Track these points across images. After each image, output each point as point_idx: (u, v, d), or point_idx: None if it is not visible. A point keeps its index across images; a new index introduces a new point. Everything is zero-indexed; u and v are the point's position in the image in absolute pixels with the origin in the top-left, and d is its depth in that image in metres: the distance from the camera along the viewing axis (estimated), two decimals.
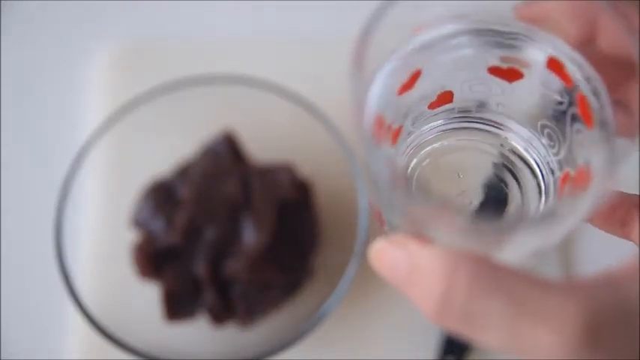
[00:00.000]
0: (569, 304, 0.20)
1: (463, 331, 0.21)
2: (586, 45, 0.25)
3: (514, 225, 0.22)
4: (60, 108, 0.52)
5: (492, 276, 0.20)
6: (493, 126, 0.28)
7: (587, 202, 0.21)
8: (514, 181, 0.28)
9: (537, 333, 0.20)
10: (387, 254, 0.23)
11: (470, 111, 0.28)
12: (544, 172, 0.27)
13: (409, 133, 0.28)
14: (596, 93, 0.24)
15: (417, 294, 0.22)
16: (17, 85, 0.52)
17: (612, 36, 0.23)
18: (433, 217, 0.22)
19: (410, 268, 0.22)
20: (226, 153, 0.45)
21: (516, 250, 0.24)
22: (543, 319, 0.20)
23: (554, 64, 0.25)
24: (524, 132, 0.28)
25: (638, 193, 0.25)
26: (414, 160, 0.28)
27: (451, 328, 0.21)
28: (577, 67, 0.25)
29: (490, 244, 0.23)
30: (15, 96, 0.52)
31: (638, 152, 0.21)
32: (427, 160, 0.28)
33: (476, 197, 0.28)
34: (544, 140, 0.27)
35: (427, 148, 0.29)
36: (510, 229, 0.22)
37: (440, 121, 0.28)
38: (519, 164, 0.28)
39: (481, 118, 0.28)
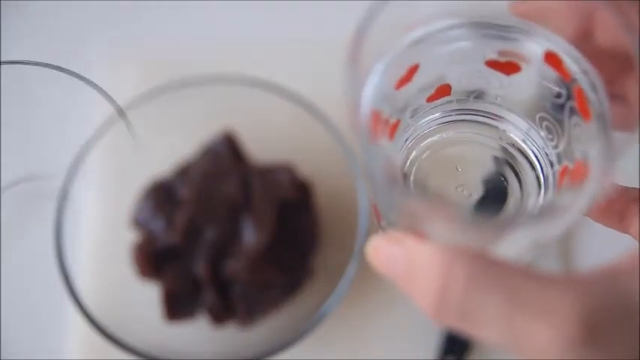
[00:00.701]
0: (567, 300, 0.19)
1: (461, 327, 0.21)
2: (583, 39, 0.24)
3: (512, 221, 0.22)
4: (60, 108, 0.52)
5: (489, 272, 0.20)
6: (491, 118, 0.28)
7: (585, 196, 0.21)
8: (513, 174, 0.28)
9: (534, 328, 0.19)
10: (383, 251, 0.22)
11: (468, 103, 0.28)
12: (543, 165, 0.27)
13: (407, 127, 0.28)
14: (593, 86, 0.24)
15: (414, 291, 0.21)
16: (17, 84, 0.52)
17: (609, 30, 0.23)
18: (430, 213, 0.22)
19: (407, 265, 0.22)
20: (226, 153, 0.45)
21: (514, 244, 0.23)
22: (541, 314, 0.19)
23: (551, 58, 0.25)
24: (523, 124, 0.27)
25: (637, 187, 0.25)
26: (413, 154, 0.28)
27: (449, 325, 0.21)
28: (574, 61, 0.25)
29: (488, 239, 0.23)
30: (15, 96, 0.52)
31: (638, 146, 0.21)
32: (426, 154, 0.28)
33: (475, 190, 0.28)
34: (542, 133, 0.27)
35: (426, 141, 0.28)
36: (508, 226, 0.22)
37: (438, 114, 0.28)
38: (518, 157, 0.28)
39: (479, 111, 0.28)
